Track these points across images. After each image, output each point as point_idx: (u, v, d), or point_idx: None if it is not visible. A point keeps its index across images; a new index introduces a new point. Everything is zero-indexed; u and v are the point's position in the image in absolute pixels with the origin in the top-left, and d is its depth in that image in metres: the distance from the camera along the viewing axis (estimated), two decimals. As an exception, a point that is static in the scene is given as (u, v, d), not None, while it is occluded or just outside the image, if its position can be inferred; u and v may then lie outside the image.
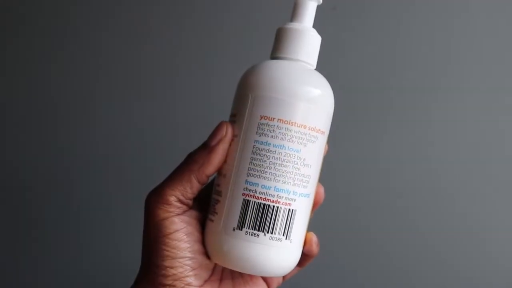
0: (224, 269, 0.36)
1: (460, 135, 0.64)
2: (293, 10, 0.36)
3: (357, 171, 0.67)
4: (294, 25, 0.35)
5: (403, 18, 0.67)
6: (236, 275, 0.37)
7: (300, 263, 0.36)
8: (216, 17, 0.71)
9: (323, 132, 0.34)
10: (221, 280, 0.36)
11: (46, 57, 0.73)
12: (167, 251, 0.32)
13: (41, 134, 0.73)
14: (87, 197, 0.72)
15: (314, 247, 0.36)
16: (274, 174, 0.32)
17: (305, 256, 0.36)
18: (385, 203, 0.66)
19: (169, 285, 0.32)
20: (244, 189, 0.33)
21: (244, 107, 0.33)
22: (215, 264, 0.35)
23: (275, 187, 0.33)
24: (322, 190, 0.37)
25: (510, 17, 0.64)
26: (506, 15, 0.64)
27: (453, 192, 0.65)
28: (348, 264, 0.67)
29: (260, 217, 0.32)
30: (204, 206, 0.35)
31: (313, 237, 0.36)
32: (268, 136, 0.33)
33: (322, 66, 0.36)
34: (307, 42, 0.35)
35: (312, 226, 0.37)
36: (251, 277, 0.37)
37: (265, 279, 0.38)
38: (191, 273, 0.33)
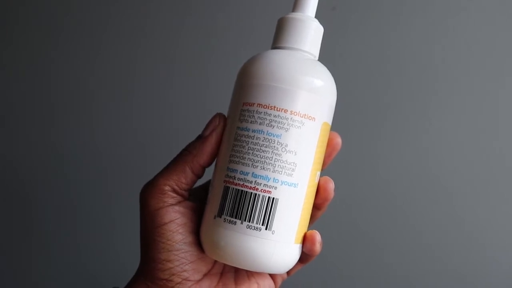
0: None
1: (459, 135, 0.64)
2: (295, 0, 0.35)
3: (355, 171, 0.65)
4: (295, 14, 0.34)
5: (404, 17, 0.65)
6: (239, 269, 0.35)
7: (302, 260, 0.34)
8: (217, 11, 0.71)
9: (312, 118, 0.32)
10: (222, 273, 0.35)
11: (46, 57, 0.76)
12: (162, 242, 0.32)
13: (40, 133, 0.76)
14: (87, 196, 0.74)
15: (317, 246, 0.33)
16: (252, 160, 0.31)
17: (305, 254, 0.33)
18: (384, 203, 0.64)
19: (166, 279, 0.32)
20: (225, 176, 0.32)
21: (233, 96, 0.34)
22: None
23: (253, 173, 0.31)
24: (331, 185, 0.34)
25: (509, 18, 0.63)
26: (506, 15, 0.62)
27: (452, 192, 0.64)
28: (347, 265, 0.65)
29: (237, 204, 0.31)
30: (203, 199, 0.35)
31: (316, 236, 0.33)
32: (248, 122, 0.32)
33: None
34: (306, 31, 0.33)
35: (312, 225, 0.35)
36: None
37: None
38: (187, 267, 0.32)
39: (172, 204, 0.33)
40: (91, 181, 0.75)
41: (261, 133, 0.31)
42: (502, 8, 0.62)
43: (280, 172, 0.31)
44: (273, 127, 0.31)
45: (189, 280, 0.32)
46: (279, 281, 0.36)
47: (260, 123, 0.32)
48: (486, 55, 0.63)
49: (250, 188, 0.31)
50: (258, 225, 0.31)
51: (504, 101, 0.63)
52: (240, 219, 0.31)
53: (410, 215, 0.64)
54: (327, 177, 0.34)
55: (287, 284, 0.39)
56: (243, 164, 0.32)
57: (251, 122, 0.32)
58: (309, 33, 0.34)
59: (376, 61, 0.65)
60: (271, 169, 0.31)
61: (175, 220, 0.33)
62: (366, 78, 0.66)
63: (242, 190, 0.31)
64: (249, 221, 0.31)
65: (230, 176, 0.32)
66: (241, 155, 0.32)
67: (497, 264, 0.63)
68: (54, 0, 0.77)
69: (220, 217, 0.32)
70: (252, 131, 0.32)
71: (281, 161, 0.31)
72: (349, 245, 0.66)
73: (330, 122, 0.34)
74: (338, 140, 0.35)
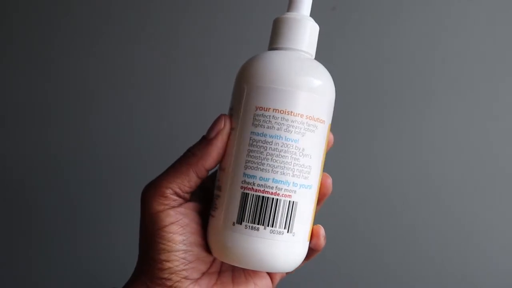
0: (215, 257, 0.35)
1: (458, 134, 0.64)
2: (289, 0, 0.35)
3: (353, 169, 0.66)
4: (290, 14, 0.34)
5: (403, 17, 0.66)
6: (236, 267, 0.36)
7: (306, 256, 0.35)
8: (213, 12, 0.71)
9: (323, 121, 0.33)
10: (220, 272, 0.35)
11: (46, 57, 0.75)
12: (163, 244, 0.32)
13: (40, 133, 0.75)
14: (87, 196, 0.73)
15: (322, 241, 0.34)
16: (272, 166, 0.32)
17: (311, 250, 0.34)
18: (383, 202, 0.66)
19: (165, 278, 0.32)
20: (242, 182, 0.32)
21: (240, 99, 0.33)
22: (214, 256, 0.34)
23: (273, 179, 0.32)
24: (329, 181, 0.35)
25: (508, 19, 0.64)
26: (506, 16, 0.64)
27: (451, 191, 0.65)
28: (345, 263, 0.67)
29: (259, 210, 0.31)
30: (205, 197, 0.35)
31: (321, 230, 0.34)
32: (264, 127, 0.32)
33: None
34: (302, 30, 0.33)
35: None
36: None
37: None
38: (187, 266, 0.32)
39: (173, 207, 0.33)
40: (91, 181, 0.73)
41: (279, 138, 0.32)
42: (501, 8, 0.64)
43: (299, 176, 0.32)
44: (291, 132, 0.32)
45: (188, 279, 0.33)
46: (278, 280, 0.37)
47: (278, 129, 0.32)
48: (486, 56, 0.64)
49: (272, 193, 0.32)
50: (280, 229, 0.32)
51: (504, 101, 0.64)
52: (263, 225, 0.31)
53: (409, 214, 0.65)
54: (325, 173, 0.35)
55: (285, 283, 0.39)
56: (262, 170, 0.32)
57: (268, 128, 0.32)
58: (306, 32, 0.34)
59: (376, 61, 0.66)
60: (291, 174, 0.32)
61: (176, 222, 0.32)
62: (366, 78, 0.66)
63: (263, 196, 0.31)
64: (272, 226, 0.31)
65: (248, 182, 0.32)
66: (260, 160, 0.32)
67: (496, 264, 0.64)
68: (53, 1, 0.74)
69: (241, 224, 0.32)
70: (270, 137, 0.32)
71: (299, 165, 0.32)
72: (348, 244, 0.66)
73: (331, 121, 0.35)
74: (331, 137, 0.36)
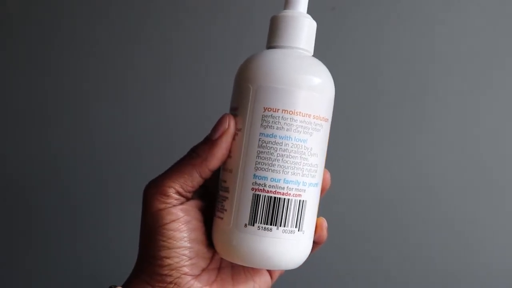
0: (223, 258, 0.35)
1: (456, 135, 0.65)
2: None
3: (352, 169, 0.66)
4: (288, 12, 0.34)
5: (403, 17, 0.66)
6: (235, 264, 0.35)
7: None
8: (209, 10, 0.71)
9: (327, 120, 0.33)
10: (219, 268, 0.35)
11: (46, 57, 0.75)
12: (163, 241, 0.32)
13: (39, 133, 0.76)
14: (86, 195, 0.74)
15: (325, 232, 0.35)
16: (282, 166, 0.32)
17: (314, 243, 0.35)
18: (381, 203, 0.66)
19: (165, 275, 0.32)
20: (253, 184, 0.32)
21: (245, 99, 0.32)
22: (214, 252, 0.34)
23: (284, 179, 0.32)
24: (328, 175, 0.36)
25: (507, 19, 0.64)
26: (505, 17, 0.64)
27: (449, 191, 0.65)
28: (343, 265, 0.67)
29: (271, 211, 0.32)
30: (205, 194, 0.35)
31: (324, 222, 0.35)
32: (273, 128, 0.32)
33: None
34: (302, 28, 0.33)
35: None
36: None
37: None
38: (187, 262, 0.32)
39: (175, 205, 0.33)
40: (91, 181, 0.73)
41: (289, 139, 0.32)
42: (502, 8, 0.64)
43: (307, 175, 0.32)
44: (300, 132, 0.32)
45: (189, 275, 0.33)
46: (277, 276, 0.37)
47: (288, 129, 0.32)
48: (487, 55, 0.64)
49: (283, 194, 0.32)
50: (292, 228, 0.32)
51: (504, 101, 0.64)
52: (275, 225, 0.32)
53: (409, 214, 0.66)
54: (324, 169, 0.35)
55: (284, 283, 0.40)
56: (273, 171, 0.32)
57: (277, 129, 0.32)
58: (306, 29, 0.34)
59: (376, 61, 0.66)
60: (300, 174, 0.32)
61: (177, 220, 0.32)
62: (366, 78, 0.66)
63: (275, 197, 0.32)
64: (284, 226, 0.32)
65: (260, 184, 0.32)
66: (270, 162, 0.32)
67: (496, 264, 0.64)
68: (52, 1, 0.74)
69: (253, 225, 0.32)
70: (280, 138, 0.32)
71: (308, 165, 0.32)
72: (347, 244, 0.67)
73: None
74: None
